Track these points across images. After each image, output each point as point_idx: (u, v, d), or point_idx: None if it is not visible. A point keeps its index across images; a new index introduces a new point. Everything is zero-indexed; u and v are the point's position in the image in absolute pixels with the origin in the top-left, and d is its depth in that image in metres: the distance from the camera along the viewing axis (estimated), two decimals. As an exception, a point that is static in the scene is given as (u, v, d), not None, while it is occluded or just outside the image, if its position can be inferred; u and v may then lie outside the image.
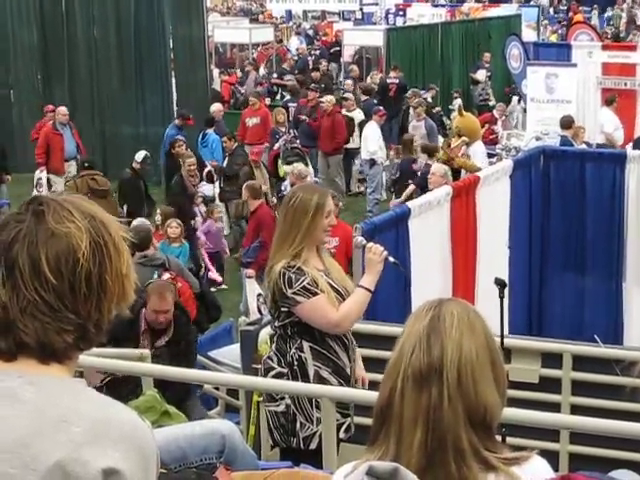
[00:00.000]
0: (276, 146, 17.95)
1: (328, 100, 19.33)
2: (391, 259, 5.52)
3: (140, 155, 15.95)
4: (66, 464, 1.96)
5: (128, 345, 7.31)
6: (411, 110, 19.88)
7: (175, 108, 20.44)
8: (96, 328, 2.13)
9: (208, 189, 16.23)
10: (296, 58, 30.01)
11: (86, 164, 15.65)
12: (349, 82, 23.02)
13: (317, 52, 31.75)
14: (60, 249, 2.06)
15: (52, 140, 17.72)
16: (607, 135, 17.94)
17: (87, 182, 14.77)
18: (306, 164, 16.55)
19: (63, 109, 18.30)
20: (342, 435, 5.44)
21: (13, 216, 2.12)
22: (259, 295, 11.87)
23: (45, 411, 2.01)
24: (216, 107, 19.68)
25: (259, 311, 11.38)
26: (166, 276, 10.26)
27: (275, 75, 27.21)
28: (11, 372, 2.06)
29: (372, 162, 18.26)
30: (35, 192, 16.72)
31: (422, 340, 2.42)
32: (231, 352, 8.60)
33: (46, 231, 2.07)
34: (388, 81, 23.30)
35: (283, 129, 18.46)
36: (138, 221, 11.60)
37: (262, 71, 29.12)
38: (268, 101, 23.64)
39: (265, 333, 6.50)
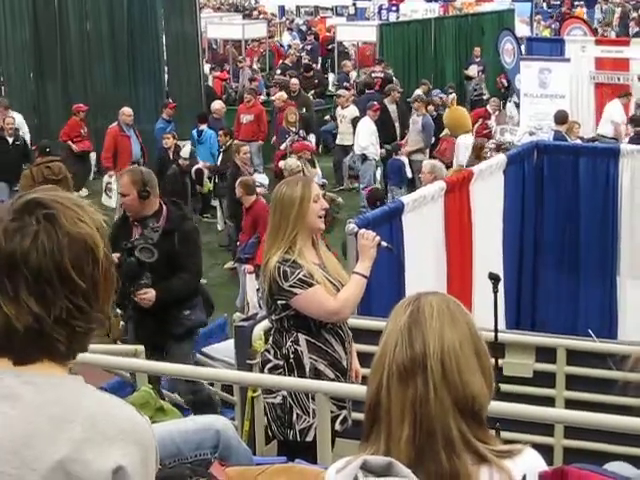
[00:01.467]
0: (282, 146, 17.87)
1: (278, 97, 19.38)
2: (384, 243, 5.56)
3: (186, 151, 15.77)
4: (67, 463, 1.96)
5: (124, 239, 7.29)
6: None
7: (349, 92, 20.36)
8: (105, 321, 2.14)
9: (262, 178, 16.10)
10: (298, 54, 29.97)
11: (47, 149, 15.42)
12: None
13: (309, 47, 31.70)
14: (80, 251, 2.04)
15: (120, 143, 17.11)
16: (616, 125, 17.94)
17: (42, 171, 14.62)
18: (313, 165, 16.51)
19: (128, 110, 17.56)
20: (338, 427, 5.47)
21: (16, 222, 2.05)
22: (258, 290, 11.88)
23: (45, 410, 2.00)
24: (218, 105, 19.60)
25: (260, 306, 11.39)
26: None
27: (279, 71, 27.15)
28: (8, 371, 2.05)
29: (364, 157, 18.27)
30: (104, 197, 16.54)
31: (404, 334, 2.42)
32: (225, 348, 8.59)
33: (64, 235, 2.03)
34: (373, 75, 23.31)
35: (293, 129, 18.34)
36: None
37: (255, 66, 29.07)
38: (264, 97, 23.63)
39: (260, 329, 6.51)
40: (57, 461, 1.96)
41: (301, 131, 18.38)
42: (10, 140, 17.06)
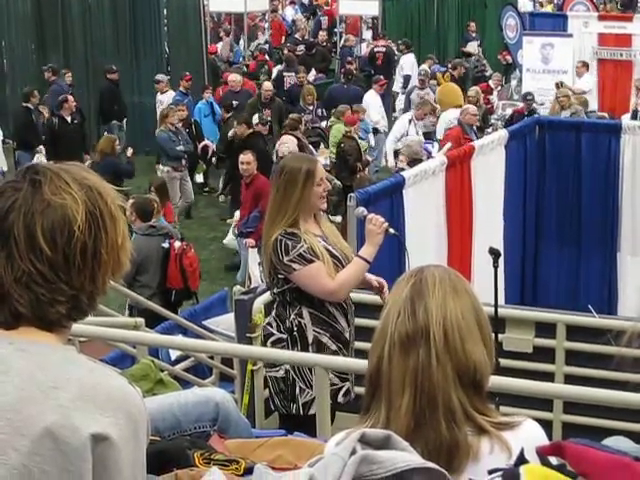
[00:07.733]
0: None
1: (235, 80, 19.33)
2: (391, 230, 5.52)
3: (256, 117, 15.76)
4: (56, 429, 1.97)
5: None
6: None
7: (168, 77, 20.30)
8: (89, 299, 2.14)
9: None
10: (309, 28, 29.81)
11: None
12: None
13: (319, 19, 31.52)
14: (56, 220, 2.06)
15: None
16: None
17: None
18: (327, 145, 16.42)
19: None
20: (340, 399, 5.48)
21: (9, 184, 2.11)
22: (260, 264, 11.87)
23: (35, 377, 2.02)
24: (234, 78, 19.49)
25: (262, 280, 11.39)
26: (178, 244, 10.30)
27: (288, 45, 27.07)
28: (2, 339, 2.07)
29: (375, 130, 18.19)
30: None
31: (406, 305, 2.43)
32: (225, 321, 8.60)
33: (42, 202, 2.07)
34: (375, 50, 23.23)
35: (311, 107, 18.21)
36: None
37: (262, 39, 29.02)
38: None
39: (260, 302, 6.51)
40: (46, 427, 1.97)
41: (318, 110, 18.23)
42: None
